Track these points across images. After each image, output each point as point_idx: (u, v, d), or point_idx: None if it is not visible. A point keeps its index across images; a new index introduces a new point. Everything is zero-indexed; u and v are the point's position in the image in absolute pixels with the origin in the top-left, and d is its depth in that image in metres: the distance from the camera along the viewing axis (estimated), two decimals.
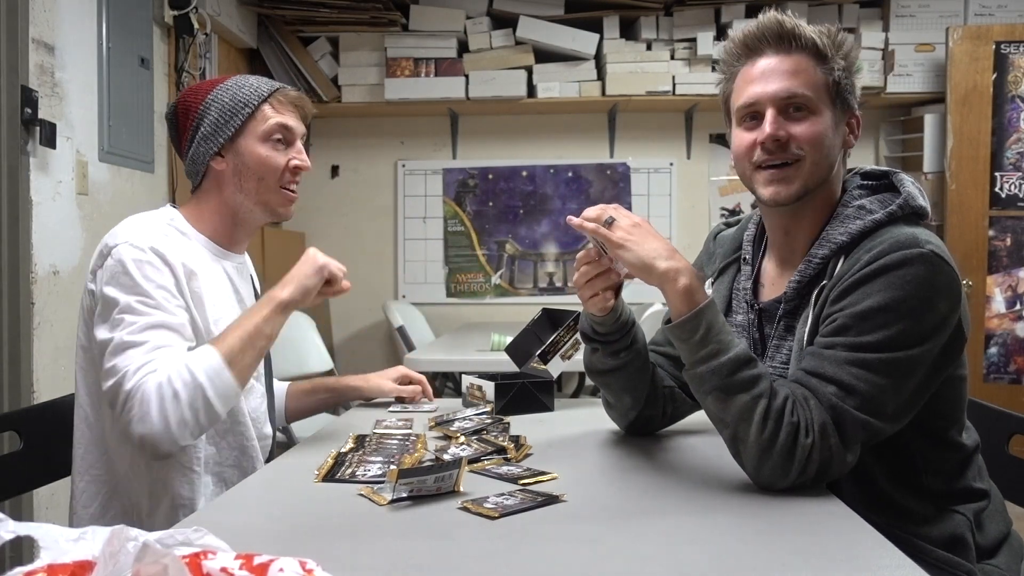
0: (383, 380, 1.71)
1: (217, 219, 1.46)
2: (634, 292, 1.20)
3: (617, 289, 1.21)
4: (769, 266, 1.29)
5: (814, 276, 1.17)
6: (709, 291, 1.32)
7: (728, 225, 1.43)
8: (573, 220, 1.14)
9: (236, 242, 1.50)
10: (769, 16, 1.17)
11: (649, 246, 1.09)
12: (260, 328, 1.31)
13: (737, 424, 1.04)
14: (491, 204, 4.33)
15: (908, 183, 1.18)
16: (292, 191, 1.47)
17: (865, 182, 1.23)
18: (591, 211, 1.14)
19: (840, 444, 1.03)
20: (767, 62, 1.16)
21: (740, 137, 1.20)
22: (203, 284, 1.38)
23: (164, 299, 1.29)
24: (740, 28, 1.20)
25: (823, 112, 1.16)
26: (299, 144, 1.48)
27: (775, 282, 1.26)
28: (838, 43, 1.16)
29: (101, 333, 1.28)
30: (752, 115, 1.18)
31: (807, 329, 1.13)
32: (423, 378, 1.75)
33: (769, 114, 1.15)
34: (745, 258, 1.32)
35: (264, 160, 1.43)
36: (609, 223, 1.11)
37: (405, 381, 1.72)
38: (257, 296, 1.59)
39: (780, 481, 1.03)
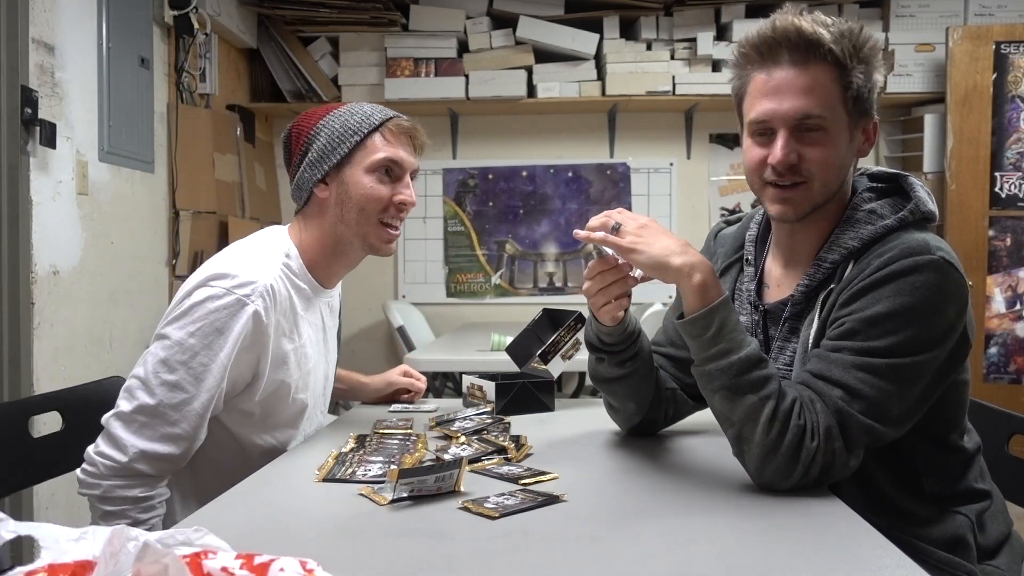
0: (389, 374, 1.74)
1: (317, 247, 1.42)
2: (634, 292, 1.19)
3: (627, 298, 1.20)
4: (773, 267, 1.28)
5: (822, 280, 1.16)
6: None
7: (728, 223, 1.42)
8: (579, 233, 1.12)
9: (332, 275, 1.47)
10: (787, 21, 1.10)
11: (660, 244, 1.07)
12: None
13: (743, 424, 1.04)
14: (491, 204, 4.33)
15: (918, 187, 1.16)
16: (394, 227, 1.42)
17: (873, 184, 1.22)
18: (595, 220, 1.12)
19: (844, 448, 1.03)
20: (783, 75, 1.10)
21: (752, 151, 1.16)
22: (301, 326, 1.39)
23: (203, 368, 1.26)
24: (756, 28, 1.13)
25: (838, 130, 1.11)
26: (407, 179, 1.42)
27: (780, 283, 1.25)
28: (859, 46, 1.10)
29: (139, 368, 1.27)
30: (764, 130, 1.14)
31: (813, 332, 1.13)
32: (423, 378, 1.75)
33: (781, 137, 1.11)
34: (748, 259, 1.31)
35: (367, 192, 1.37)
36: (616, 229, 1.10)
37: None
38: (340, 330, 1.60)
39: (782, 482, 1.03)
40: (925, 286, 1.04)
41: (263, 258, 1.34)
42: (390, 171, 1.39)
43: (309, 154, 1.41)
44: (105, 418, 1.27)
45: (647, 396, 1.30)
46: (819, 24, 1.09)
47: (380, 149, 1.38)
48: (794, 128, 1.11)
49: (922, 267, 1.04)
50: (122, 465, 1.23)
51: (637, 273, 1.14)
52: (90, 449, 1.26)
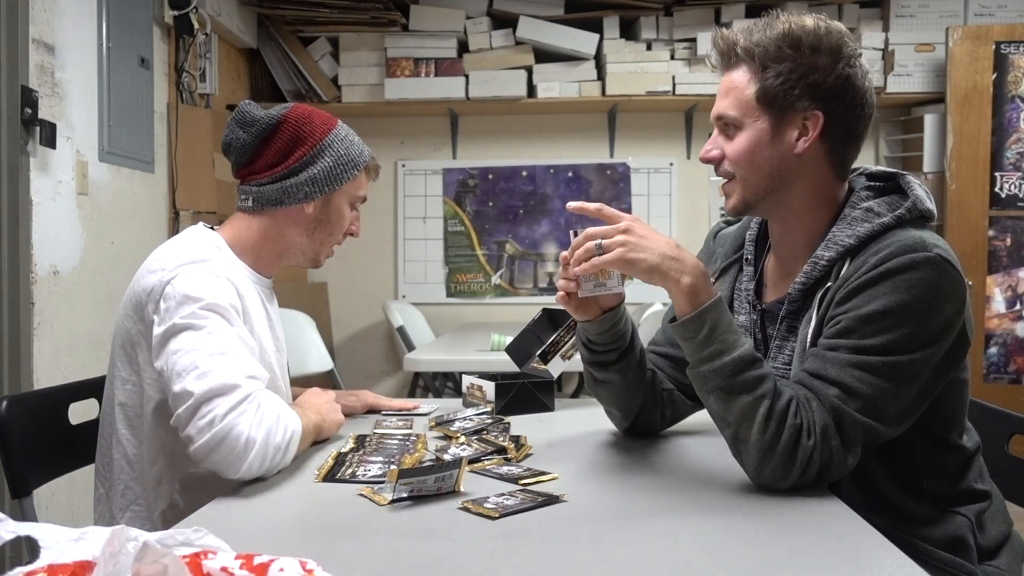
0: (354, 396, 1.64)
1: (264, 248, 1.45)
2: (634, 292, 1.20)
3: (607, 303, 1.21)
4: (772, 266, 1.28)
5: (819, 278, 1.16)
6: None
7: (728, 223, 1.42)
8: (572, 205, 1.15)
9: (269, 269, 1.50)
10: (719, 32, 1.20)
11: (649, 249, 1.07)
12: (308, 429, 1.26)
13: (739, 424, 1.04)
14: (491, 204, 4.33)
15: (916, 186, 1.16)
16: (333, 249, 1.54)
17: (871, 183, 1.22)
18: (579, 251, 1.10)
19: (841, 446, 1.03)
20: (721, 80, 1.21)
21: None
22: (249, 308, 1.38)
23: (233, 320, 1.27)
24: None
25: (752, 126, 1.15)
26: (359, 211, 1.53)
27: (778, 283, 1.25)
28: (779, 45, 1.12)
29: (173, 359, 1.20)
30: None
31: (810, 330, 1.13)
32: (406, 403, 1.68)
33: (713, 134, 1.21)
34: (747, 259, 1.31)
35: (343, 222, 1.49)
36: (599, 247, 1.09)
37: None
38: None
39: (780, 482, 1.03)
40: (921, 283, 1.04)
41: (199, 246, 1.38)
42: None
43: (313, 168, 1.41)
44: (180, 411, 1.14)
45: (636, 401, 1.30)
46: (745, 31, 1.17)
47: (364, 187, 1.51)
48: (720, 128, 1.20)
49: (918, 264, 1.04)
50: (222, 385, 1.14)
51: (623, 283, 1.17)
52: (186, 415, 1.13)
